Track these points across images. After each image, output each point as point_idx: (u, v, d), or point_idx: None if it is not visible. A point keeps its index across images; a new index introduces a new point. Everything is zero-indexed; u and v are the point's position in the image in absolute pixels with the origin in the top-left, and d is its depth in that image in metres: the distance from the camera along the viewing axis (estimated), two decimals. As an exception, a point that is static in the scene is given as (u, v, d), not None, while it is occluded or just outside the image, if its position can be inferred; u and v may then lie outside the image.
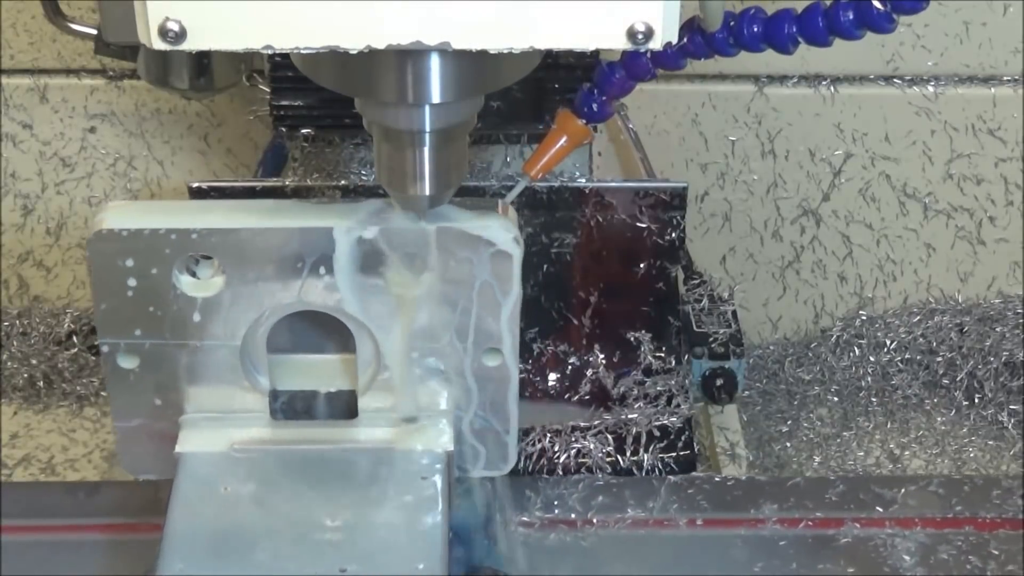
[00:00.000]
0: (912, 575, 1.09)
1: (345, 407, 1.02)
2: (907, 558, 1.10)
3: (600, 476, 1.19)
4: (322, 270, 0.96)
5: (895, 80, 1.46)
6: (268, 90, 1.30)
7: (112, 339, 0.98)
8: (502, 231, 0.95)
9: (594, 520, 1.14)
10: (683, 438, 1.24)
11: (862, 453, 1.42)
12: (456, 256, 0.96)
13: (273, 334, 1.01)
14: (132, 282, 0.96)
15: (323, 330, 1.03)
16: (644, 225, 1.27)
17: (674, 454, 1.23)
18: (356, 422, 1.02)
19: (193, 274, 0.97)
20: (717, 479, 1.19)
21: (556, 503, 1.16)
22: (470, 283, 0.97)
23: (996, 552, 1.11)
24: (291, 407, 1.01)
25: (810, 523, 1.14)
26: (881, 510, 1.15)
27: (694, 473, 1.22)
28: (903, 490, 1.17)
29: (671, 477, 1.19)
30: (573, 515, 1.14)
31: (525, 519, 1.14)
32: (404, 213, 0.95)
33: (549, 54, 0.84)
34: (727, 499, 1.16)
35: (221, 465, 0.99)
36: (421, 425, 1.02)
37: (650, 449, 1.22)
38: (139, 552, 1.08)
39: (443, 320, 0.99)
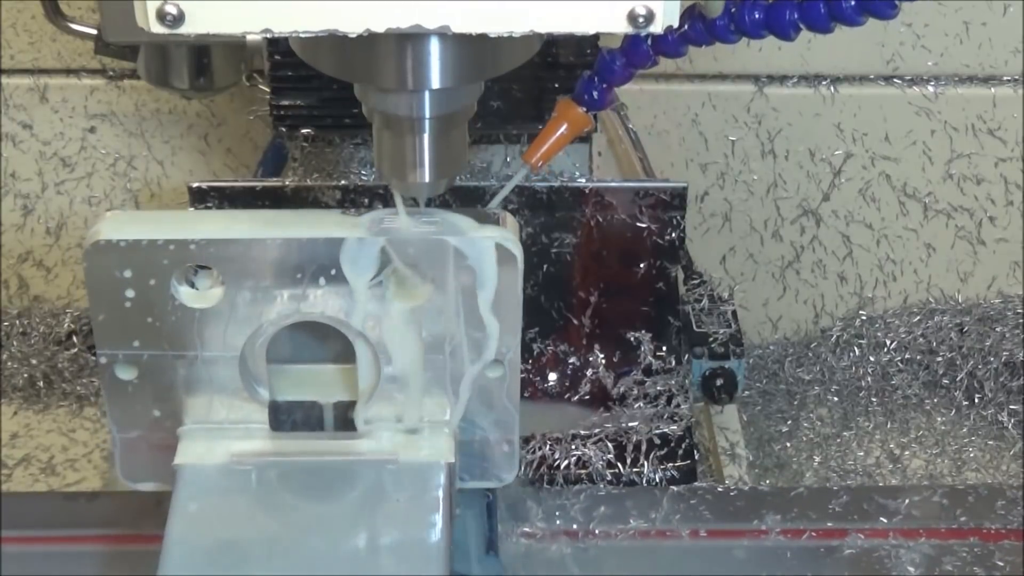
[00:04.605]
0: (917, 585, 1.09)
1: (346, 418, 1.01)
2: (911, 569, 1.09)
3: (602, 486, 1.19)
4: (322, 280, 0.96)
5: (895, 80, 1.46)
6: (268, 90, 1.30)
7: (110, 350, 0.97)
8: (503, 241, 0.95)
9: (596, 531, 1.13)
10: (684, 446, 1.23)
11: (862, 453, 1.42)
12: (458, 266, 0.95)
13: (270, 343, 1.00)
14: (130, 293, 0.95)
15: (321, 338, 1.02)
16: (644, 225, 1.27)
17: (675, 463, 1.23)
18: (357, 433, 1.01)
19: (192, 285, 0.97)
20: (720, 489, 1.18)
21: (558, 513, 1.15)
22: (472, 293, 0.96)
23: (1001, 563, 1.09)
24: (291, 418, 1.01)
25: (814, 534, 1.13)
26: (885, 520, 1.14)
27: (696, 483, 1.21)
28: (907, 500, 1.16)
29: (673, 487, 1.18)
30: (575, 525, 1.14)
31: (527, 530, 1.14)
32: (406, 223, 0.94)
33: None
34: (730, 510, 1.15)
35: (220, 477, 0.99)
36: (422, 436, 1.01)
37: (650, 458, 1.22)
38: (138, 562, 1.08)
39: (444, 330, 0.98)
